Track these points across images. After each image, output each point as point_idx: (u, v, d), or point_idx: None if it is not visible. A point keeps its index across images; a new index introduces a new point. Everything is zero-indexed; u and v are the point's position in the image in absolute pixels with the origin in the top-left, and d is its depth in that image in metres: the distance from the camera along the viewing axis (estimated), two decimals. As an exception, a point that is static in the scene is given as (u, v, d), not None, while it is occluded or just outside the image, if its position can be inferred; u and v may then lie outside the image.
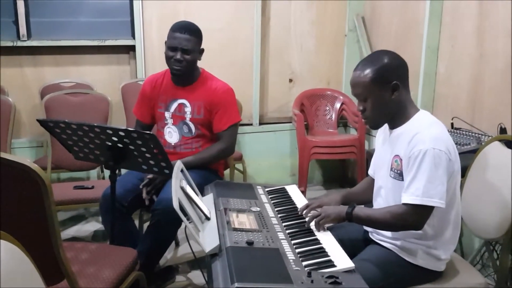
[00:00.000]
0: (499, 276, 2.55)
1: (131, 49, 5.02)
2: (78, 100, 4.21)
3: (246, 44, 5.30)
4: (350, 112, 5.26)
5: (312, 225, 2.22)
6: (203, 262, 2.84)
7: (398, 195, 2.17)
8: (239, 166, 4.94)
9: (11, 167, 1.84)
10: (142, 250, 2.90)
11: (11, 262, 1.38)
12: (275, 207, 2.48)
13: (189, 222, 2.04)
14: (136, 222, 3.36)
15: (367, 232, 2.42)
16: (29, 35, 4.71)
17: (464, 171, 2.61)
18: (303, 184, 5.00)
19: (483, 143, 2.77)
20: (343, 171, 5.75)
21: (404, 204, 2.11)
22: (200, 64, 3.29)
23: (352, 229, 2.44)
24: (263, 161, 5.46)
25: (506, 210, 2.34)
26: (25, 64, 4.83)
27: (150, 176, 3.04)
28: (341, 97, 5.45)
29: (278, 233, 2.13)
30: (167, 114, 3.28)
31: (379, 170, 2.40)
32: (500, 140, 2.57)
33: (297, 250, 1.98)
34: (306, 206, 2.36)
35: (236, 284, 1.62)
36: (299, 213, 2.37)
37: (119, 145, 2.60)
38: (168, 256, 3.74)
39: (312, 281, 1.70)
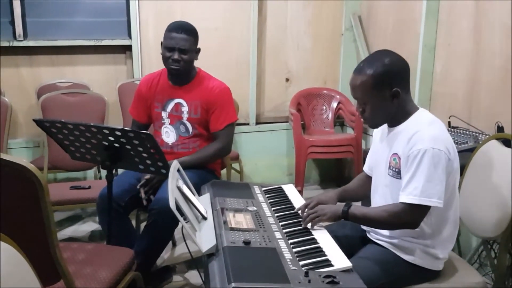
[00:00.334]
0: (497, 275, 2.55)
1: (127, 49, 5.01)
2: (74, 100, 4.21)
3: (242, 43, 5.29)
4: (347, 111, 5.25)
5: (309, 224, 2.22)
6: (200, 262, 2.83)
7: (396, 193, 2.17)
8: (235, 165, 4.94)
9: (8, 167, 1.83)
10: (139, 250, 2.89)
11: (7, 263, 1.38)
12: (272, 207, 2.47)
13: (186, 222, 2.04)
14: (133, 222, 3.35)
15: (364, 231, 2.42)
16: (25, 35, 4.69)
17: (462, 170, 2.61)
18: (300, 184, 5.00)
19: (480, 142, 2.77)
20: (340, 171, 5.75)
21: (401, 203, 2.11)
22: (196, 63, 3.28)
23: (349, 228, 2.44)
24: (259, 161, 5.46)
25: (504, 209, 2.34)
26: (21, 64, 4.81)
27: (147, 176, 3.03)
28: (338, 97, 5.44)
29: (275, 232, 2.12)
30: (164, 114, 3.28)
31: (376, 167, 2.39)
32: (497, 139, 2.57)
33: (294, 250, 1.98)
34: (304, 206, 2.35)
35: (233, 284, 1.61)
36: (296, 212, 2.37)
37: (116, 144, 2.60)
38: (165, 256, 3.74)
39: (309, 281, 1.69)
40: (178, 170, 2.36)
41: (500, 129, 3.26)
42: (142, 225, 3.26)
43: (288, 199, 2.59)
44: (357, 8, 5.48)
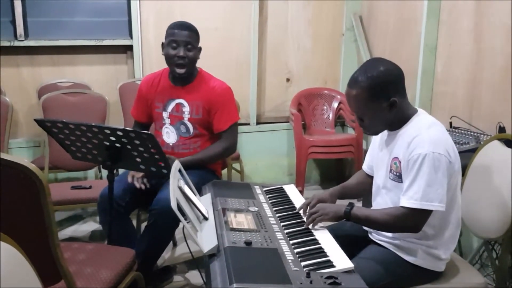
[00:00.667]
0: (499, 276, 2.55)
1: (128, 48, 5.01)
2: (75, 100, 4.20)
3: (243, 43, 5.29)
4: (348, 111, 5.25)
5: (311, 224, 2.21)
6: (201, 262, 2.83)
7: (397, 197, 2.16)
8: (236, 165, 4.94)
9: (9, 167, 1.82)
10: (139, 250, 2.88)
11: (8, 263, 1.38)
12: (273, 207, 2.47)
13: (187, 222, 2.03)
14: (134, 222, 3.35)
15: (366, 231, 2.41)
16: (26, 35, 4.69)
17: (463, 171, 2.60)
18: (300, 184, 4.99)
19: (482, 142, 2.77)
20: (341, 171, 5.75)
21: (402, 207, 2.10)
22: (197, 63, 3.28)
23: (351, 228, 2.43)
24: (260, 161, 5.46)
25: (506, 210, 2.34)
26: (22, 64, 4.81)
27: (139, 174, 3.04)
28: (339, 97, 5.44)
29: (277, 233, 2.12)
30: (165, 114, 3.27)
31: (378, 171, 2.39)
32: (499, 139, 2.56)
33: (296, 250, 1.97)
34: (306, 206, 2.34)
35: (234, 285, 1.61)
36: (298, 211, 2.37)
37: (117, 144, 2.60)
38: (165, 256, 3.73)
39: (311, 282, 1.68)
40: (179, 170, 2.36)
41: (501, 129, 3.25)
42: (143, 225, 3.25)
43: (289, 199, 2.59)
44: (357, 8, 5.48)
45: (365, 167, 2.59)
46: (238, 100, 4.24)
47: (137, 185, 3.01)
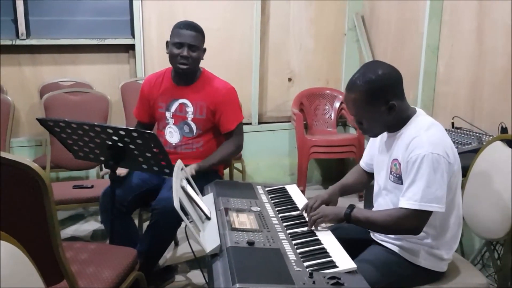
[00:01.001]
0: (501, 276, 2.55)
1: (130, 48, 5.01)
2: (77, 99, 4.20)
3: (245, 43, 5.29)
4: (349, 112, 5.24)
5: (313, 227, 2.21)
6: (202, 261, 2.83)
7: (398, 198, 2.16)
8: (238, 165, 4.93)
9: (11, 166, 1.82)
10: (141, 250, 2.89)
11: (11, 263, 1.38)
12: (276, 207, 2.47)
13: (190, 222, 2.03)
14: (136, 222, 3.34)
15: (368, 232, 2.41)
16: (28, 34, 4.69)
17: (466, 171, 2.60)
18: (302, 184, 4.99)
19: (484, 143, 2.76)
20: (342, 171, 5.74)
21: (401, 208, 2.10)
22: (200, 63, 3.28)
23: (353, 229, 2.42)
24: (262, 161, 5.46)
25: (508, 210, 2.33)
26: (24, 63, 4.81)
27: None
28: (340, 96, 5.44)
29: (279, 233, 2.12)
30: (168, 114, 3.27)
31: (379, 172, 2.39)
32: (501, 140, 2.55)
33: (299, 251, 1.97)
34: (310, 208, 2.33)
35: (237, 285, 1.61)
36: (300, 213, 2.37)
37: (119, 144, 2.59)
38: (167, 255, 3.73)
39: (313, 282, 1.69)
40: (182, 170, 2.35)
41: (503, 130, 3.25)
42: (145, 224, 3.26)
43: (292, 199, 2.59)
44: (359, 8, 5.48)
45: (362, 164, 2.60)
46: (240, 99, 4.22)
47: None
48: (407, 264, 2.22)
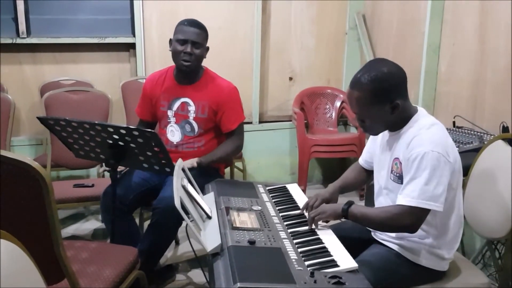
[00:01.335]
0: (502, 275, 2.54)
1: (131, 46, 5.00)
2: (78, 98, 4.20)
3: (246, 42, 5.29)
4: (350, 110, 5.23)
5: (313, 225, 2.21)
6: (203, 260, 2.83)
7: (399, 197, 2.16)
8: (238, 164, 4.93)
9: (11, 165, 1.82)
10: (142, 249, 2.89)
11: (12, 262, 1.37)
12: (277, 206, 2.47)
13: (191, 221, 2.03)
14: (137, 221, 3.34)
15: (369, 231, 2.40)
16: (28, 32, 4.69)
17: (467, 170, 2.60)
18: (303, 183, 4.99)
19: (485, 142, 2.76)
20: (343, 170, 5.67)
21: (399, 204, 2.09)
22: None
23: (354, 228, 2.43)
24: (262, 160, 5.45)
25: (510, 210, 2.32)
26: (24, 61, 4.81)
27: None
28: (341, 96, 5.44)
29: (280, 232, 2.12)
30: (170, 113, 3.27)
31: (380, 171, 2.38)
32: (503, 139, 2.55)
33: (300, 250, 1.97)
34: (311, 207, 2.33)
35: (238, 284, 1.61)
36: (301, 212, 2.36)
37: (120, 143, 2.59)
38: (168, 254, 3.73)
39: (315, 281, 1.68)
40: (183, 169, 2.35)
41: (505, 129, 3.25)
42: (146, 223, 3.25)
43: (293, 198, 2.59)
44: (361, 7, 5.47)
45: (361, 161, 2.61)
46: (241, 98, 4.23)
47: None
48: (408, 264, 2.22)
